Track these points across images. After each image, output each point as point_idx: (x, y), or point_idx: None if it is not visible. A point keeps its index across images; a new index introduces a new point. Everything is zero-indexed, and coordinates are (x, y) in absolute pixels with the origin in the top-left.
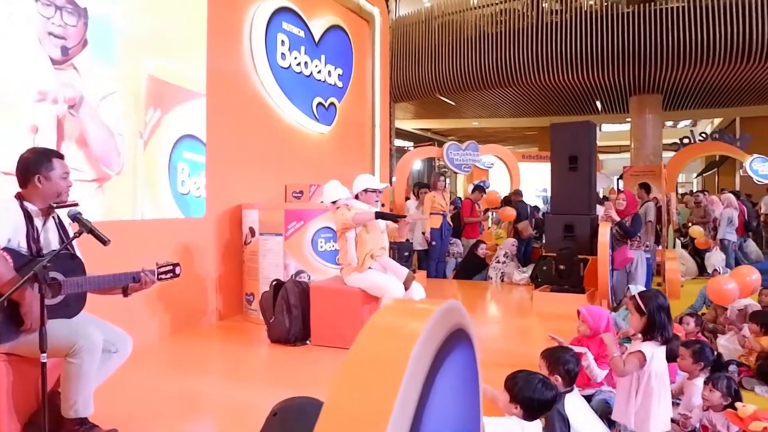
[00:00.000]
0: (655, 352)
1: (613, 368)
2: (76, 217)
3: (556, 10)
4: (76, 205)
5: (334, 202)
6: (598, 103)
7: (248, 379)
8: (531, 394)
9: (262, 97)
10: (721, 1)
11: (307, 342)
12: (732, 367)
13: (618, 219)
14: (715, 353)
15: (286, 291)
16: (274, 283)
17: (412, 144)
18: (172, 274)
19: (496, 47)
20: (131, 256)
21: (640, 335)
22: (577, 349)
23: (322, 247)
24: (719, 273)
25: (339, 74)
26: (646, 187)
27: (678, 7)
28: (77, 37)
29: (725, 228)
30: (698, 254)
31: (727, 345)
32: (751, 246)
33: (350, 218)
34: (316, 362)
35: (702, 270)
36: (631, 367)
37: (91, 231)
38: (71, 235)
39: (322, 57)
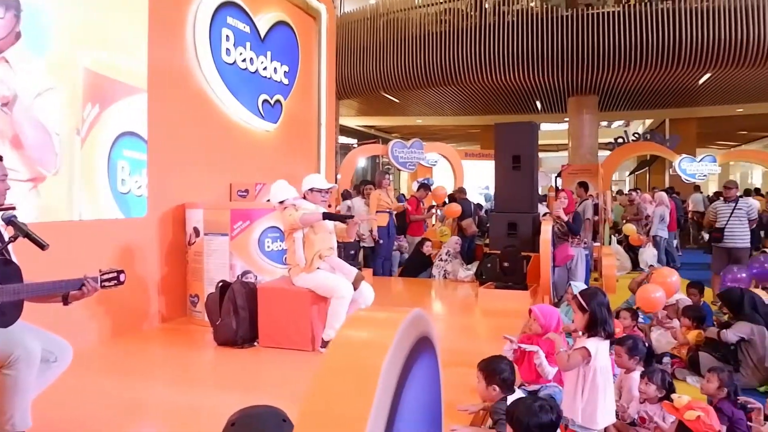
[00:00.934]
0: (599, 347)
1: (558, 363)
2: (11, 221)
3: (499, 12)
4: (13, 208)
5: (281, 202)
6: (538, 103)
7: (195, 383)
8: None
9: (206, 93)
10: (654, 9)
11: (255, 343)
12: (666, 359)
13: (566, 219)
14: (646, 344)
15: (233, 292)
16: (221, 284)
17: (356, 141)
18: (116, 282)
19: (440, 46)
20: (69, 258)
21: (581, 332)
22: (528, 347)
23: (269, 247)
24: (656, 268)
25: (285, 71)
26: (584, 186)
27: (613, 12)
28: (7, 30)
29: (657, 225)
30: (632, 250)
31: (659, 338)
32: (674, 241)
33: (298, 219)
34: (264, 364)
35: (635, 265)
36: (575, 361)
37: (28, 235)
38: (6, 239)
39: (268, 53)
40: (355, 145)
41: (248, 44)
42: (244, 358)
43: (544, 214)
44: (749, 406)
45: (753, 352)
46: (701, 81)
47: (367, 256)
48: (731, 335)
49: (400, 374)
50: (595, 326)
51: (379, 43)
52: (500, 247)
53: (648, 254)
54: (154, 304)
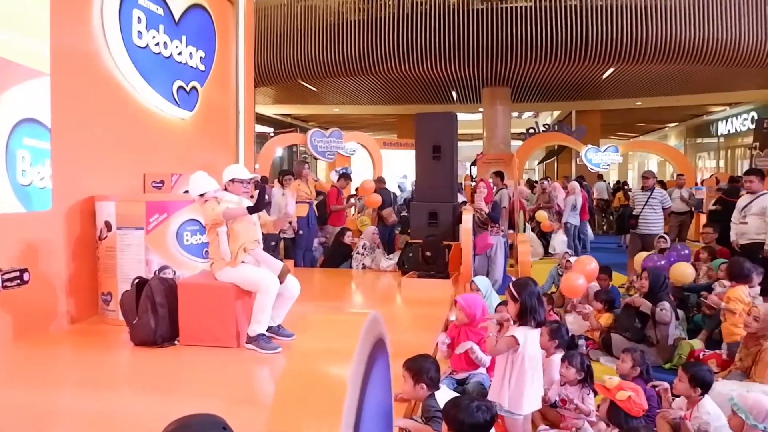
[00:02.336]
0: (528, 335)
1: (486, 347)
2: None
3: (416, 2)
4: None
5: (201, 195)
6: (454, 93)
7: (112, 388)
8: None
9: (116, 78)
10: (563, 5)
11: (176, 342)
12: (581, 341)
13: (488, 210)
14: (570, 333)
15: (150, 289)
16: (137, 280)
17: (272, 130)
18: (19, 281)
19: (358, 35)
20: None
21: (513, 321)
22: (465, 345)
23: (188, 240)
24: (569, 254)
25: (201, 57)
26: (500, 175)
27: (526, 7)
28: None
29: (569, 213)
30: (544, 236)
31: (574, 322)
32: (587, 228)
33: (220, 213)
34: (187, 363)
35: (547, 251)
36: (502, 348)
37: None
38: None
39: (183, 38)
40: (272, 134)
41: (162, 27)
42: (165, 358)
43: (462, 203)
44: (658, 387)
45: (661, 331)
46: (605, 75)
47: (287, 248)
48: (665, 315)
49: (362, 380)
50: (526, 315)
51: (297, 31)
52: (422, 237)
53: (558, 240)
54: (63, 303)
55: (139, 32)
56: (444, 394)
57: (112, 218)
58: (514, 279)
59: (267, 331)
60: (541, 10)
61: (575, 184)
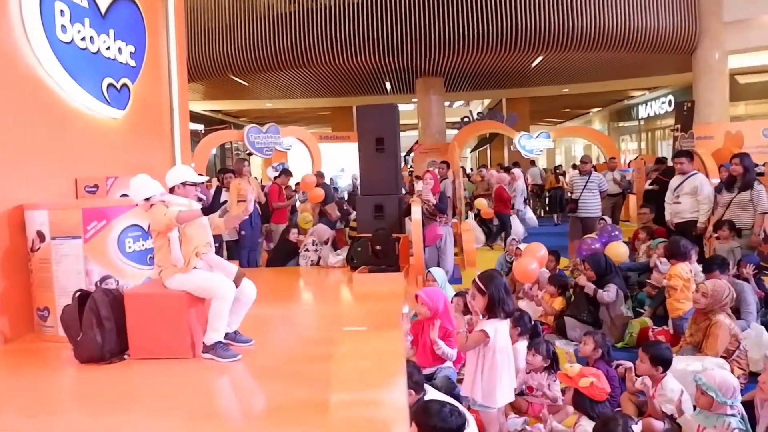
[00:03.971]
0: (498, 327)
1: (457, 344)
2: None
3: None
4: None
5: (147, 199)
6: (388, 84)
7: (58, 410)
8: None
9: (39, 76)
10: None
11: (126, 356)
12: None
13: (435, 201)
14: (533, 321)
15: (94, 302)
16: (78, 293)
17: (203, 127)
18: None
19: (290, 27)
20: None
21: (481, 315)
22: (440, 344)
23: (130, 247)
24: (517, 242)
25: (131, 52)
26: (447, 165)
27: None
28: None
29: (519, 200)
30: (484, 224)
31: (527, 307)
32: (529, 213)
33: (173, 217)
34: (140, 378)
35: (488, 238)
36: (473, 343)
37: None
38: None
39: (111, 32)
40: (202, 131)
41: (87, 21)
42: (115, 374)
43: (406, 194)
44: (621, 367)
45: (612, 311)
46: (534, 63)
47: (230, 249)
48: (607, 296)
49: None
50: (494, 307)
51: (226, 24)
52: (369, 230)
53: (519, 229)
54: None
55: (62, 26)
56: (433, 395)
57: (45, 228)
58: (460, 268)
59: (224, 338)
60: (473, 1)
61: (519, 171)
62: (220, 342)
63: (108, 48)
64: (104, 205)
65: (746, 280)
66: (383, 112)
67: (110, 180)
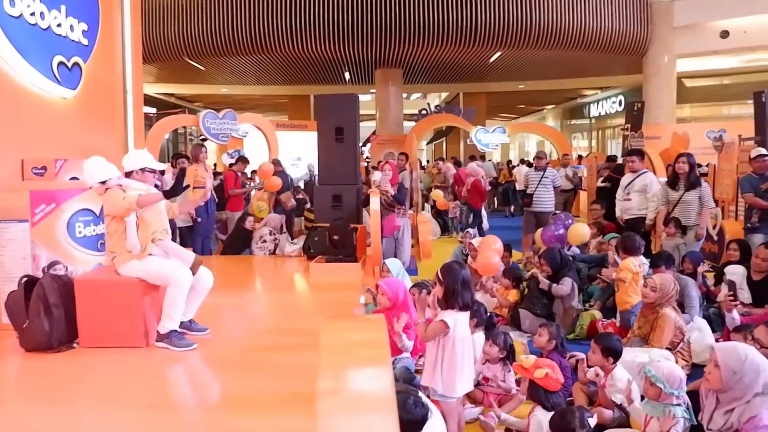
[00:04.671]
0: (457, 318)
1: (417, 334)
2: None
3: None
4: None
5: (103, 182)
6: (347, 74)
7: (3, 400)
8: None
9: None
10: None
11: (75, 345)
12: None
13: (394, 193)
14: (488, 313)
15: (42, 288)
16: (25, 279)
17: (155, 110)
18: None
19: (250, 12)
20: None
21: (438, 306)
22: (403, 337)
23: (81, 232)
24: (471, 235)
25: (83, 30)
26: (405, 156)
27: None
28: None
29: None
30: (439, 216)
31: (482, 299)
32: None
33: (134, 201)
34: (90, 367)
35: (444, 230)
36: (433, 333)
37: None
38: None
39: (62, 8)
40: (154, 115)
41: None
42: (64, 363)
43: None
44: (573, 358)
45: (565, 304)
46: (492, 59)
47: (183, 236)
48: (562, 289)
49: None
50: (452, 298)
51: (183, 5)
52: (327, 220)
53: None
54: None
55: (10, 0)
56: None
57: None
58: (416, 260)
59: (179, 326)
60: None
61: (474, 165)
62: (175, 330)
63: (59, 25)
64: (53, 187)
65: (690, 275)
66: (344, 101)
67: (59, 162)
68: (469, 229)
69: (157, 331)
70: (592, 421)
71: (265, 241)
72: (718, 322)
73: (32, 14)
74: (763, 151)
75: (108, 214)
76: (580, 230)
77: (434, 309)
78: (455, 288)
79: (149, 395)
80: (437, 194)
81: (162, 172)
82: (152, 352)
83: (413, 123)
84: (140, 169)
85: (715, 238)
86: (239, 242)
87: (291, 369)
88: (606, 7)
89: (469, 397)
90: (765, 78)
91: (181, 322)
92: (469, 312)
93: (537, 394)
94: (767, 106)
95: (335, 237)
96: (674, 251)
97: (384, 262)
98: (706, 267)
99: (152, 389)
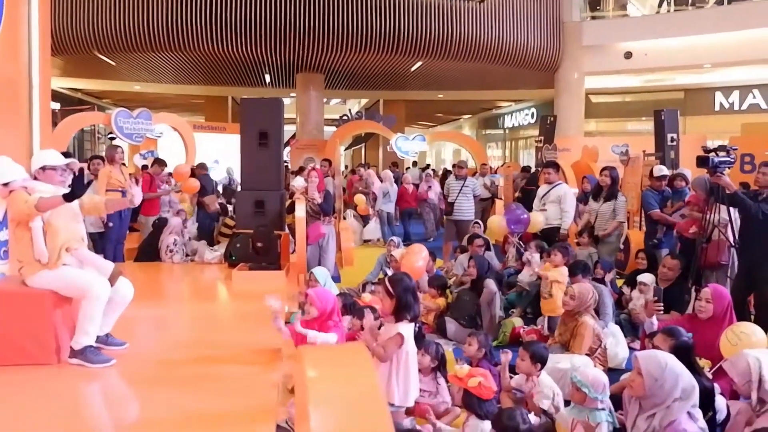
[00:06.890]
0: (409, 330)
1: (376, 357)
2: None
3: None
4: None
5: (5, 185)
6: (267, 77)
7: None
8: None
9: None
10: None
11: None
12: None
13: (320, 200)
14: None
15: None
16: None
17: (59, 106)
18: None
19: (167, 7)
20: None
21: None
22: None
23: None
24: (395, 243)
25: None
26: (329, 162)
27: None
28: None
29: (381, 200)
30: (363, 219)
31: None
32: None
33: (33, 205)
34: None
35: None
36: (392, 350)
37: None
38: None
39: None
40: (58, 110)
41: None
42: None
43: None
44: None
45: (491, 311)
46: (413, 68)
47: (94, 242)
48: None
49: None
50: (402, 311)
51: None
52: (249, 226)
53: (370, 227)
54: None
55: None
56: None
57: None
58: (338, 267)
59: (95, 341)
60: (357, 0)
61: (388, 172)
62: (90, 346)
63: None
64: None
65: (603, 282)
66: (269, 105)
67: None
68: (394, 238)
69: (71, 347)
70: (534, 419)
71: (171, 251)
72: (628, 328)
73: None
74: (665, 171)
75: (12, 219)
76: (536, 218)
77: (385, 317)
78: (407, 300)
79: (62, 418)
80: (359, 198)
81: (81, 170)
82: (65, 369)
83: (333, 128)
84: (40, 169)
85: (621, 246)
86: (154, 249)
87: (213, 384)
88: (522, 24)
89: None
90: (663, 97)
91: (98, 337)
92: (413, 324)
93: (471, 403)
94: (666, 124)
95: (259, 244)
96: (588, 260)
97: (311, 272)
98: (613, 275)
99: (65, 411)
